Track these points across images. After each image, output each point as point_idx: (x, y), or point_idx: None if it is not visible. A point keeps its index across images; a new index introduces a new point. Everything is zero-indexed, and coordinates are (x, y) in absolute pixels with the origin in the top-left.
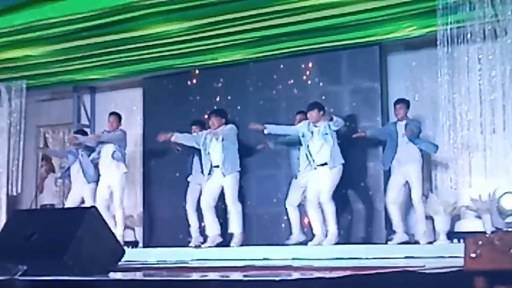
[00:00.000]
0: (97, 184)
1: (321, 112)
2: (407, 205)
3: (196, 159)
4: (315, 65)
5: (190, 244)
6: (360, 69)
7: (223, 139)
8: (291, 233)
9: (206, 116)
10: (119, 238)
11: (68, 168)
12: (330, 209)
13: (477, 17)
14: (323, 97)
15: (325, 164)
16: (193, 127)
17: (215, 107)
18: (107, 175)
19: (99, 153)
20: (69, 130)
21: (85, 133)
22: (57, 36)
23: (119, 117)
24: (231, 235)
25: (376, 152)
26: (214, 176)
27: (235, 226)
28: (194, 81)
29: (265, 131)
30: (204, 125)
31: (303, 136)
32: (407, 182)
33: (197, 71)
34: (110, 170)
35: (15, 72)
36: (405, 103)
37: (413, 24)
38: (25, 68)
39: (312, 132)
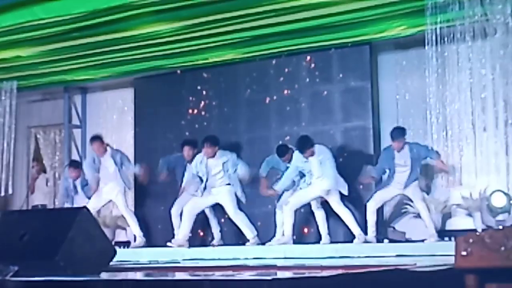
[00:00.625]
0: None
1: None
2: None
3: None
4: (306, 65)
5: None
6: (350, 68)
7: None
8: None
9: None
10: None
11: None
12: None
13: (467, 16)
14: (314, 96)
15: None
16: (185, 147)
17: (205, 107)
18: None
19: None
20: (60, 131)
21: (79, 165)
22: (48, 37)
23: (101, 140)
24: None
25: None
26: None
27: (247, 232)
28: (186, 81)
29: (279, 192)
30: (196, 144)
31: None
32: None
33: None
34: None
35: (6, 73)
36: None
37: (403, 23)
38: (16, 68)
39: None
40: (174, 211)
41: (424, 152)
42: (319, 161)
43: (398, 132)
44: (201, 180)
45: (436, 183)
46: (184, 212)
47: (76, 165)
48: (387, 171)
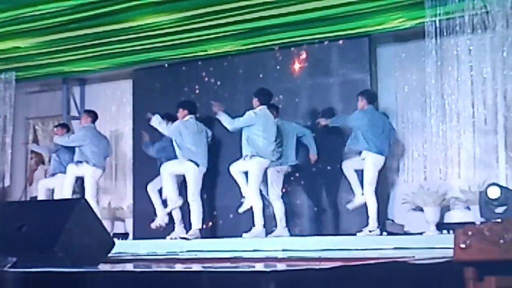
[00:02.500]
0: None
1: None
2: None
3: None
4: (305, 57)
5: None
6: (349, 60)
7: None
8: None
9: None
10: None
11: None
12: None
13: (467, 8)
14: (313, 89)
15: None
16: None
17: (203, 99)
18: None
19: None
20: (58, 122)
21: (67, 127)
22: (46, 28)
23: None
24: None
25: None
26: None
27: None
28: (184, 73)
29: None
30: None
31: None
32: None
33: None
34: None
35: (4, 64)
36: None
37: (402, 15)
38: (14, 59)
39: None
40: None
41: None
42: None
43: None
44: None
45: (435, 176)
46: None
47: (64, 126)
48: None
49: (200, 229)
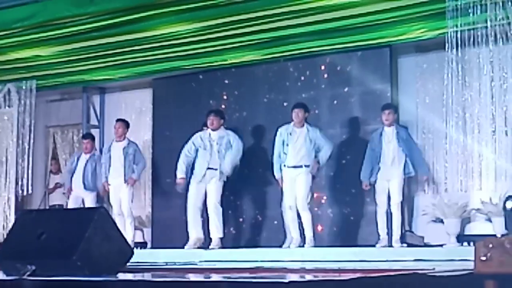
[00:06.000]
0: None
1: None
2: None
3: None
4: (326, 67)
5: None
6: (370, 71)
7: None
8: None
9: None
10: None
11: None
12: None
13: (488, 19)
14: (333, 99)
15: None
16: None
17: (223, 109)
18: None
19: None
20: (78, 131)
21: (93, 138)
22: (67, 36)
23: (126, 124)
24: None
25: None
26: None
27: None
28: (204, 82)
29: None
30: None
31: None
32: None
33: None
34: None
35: (25, 72)
36: (393, 108)
37: (424, 26)
38: (35, 68)
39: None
40: None
41: None
42: None
43: None
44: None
45: (455, 187)
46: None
47: (90, 136)
48: None
49: (221, 238)
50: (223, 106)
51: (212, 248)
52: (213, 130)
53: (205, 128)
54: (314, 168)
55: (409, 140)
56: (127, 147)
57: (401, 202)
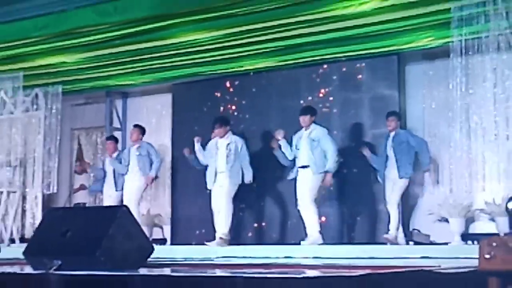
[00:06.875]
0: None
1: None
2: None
3: None
4: (337, 74)
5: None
6: (379, 77)
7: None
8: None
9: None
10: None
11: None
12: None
13: (492, 29)
14: (344, 104)
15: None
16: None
17: (239, 112)
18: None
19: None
20: (101, 133)
21: (116, 139)
22: (92, 44)
23: (141, 129)
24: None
25: None
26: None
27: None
28: (221, 87)
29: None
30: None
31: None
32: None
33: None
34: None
35: (52, 78)
36: (397, 115)
37: (430, 35)
38: (61, 74)
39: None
40: None
41: None
42: None
43: None
44: None
45: (460, 188)
46: None
47: (114, 139)
48: None
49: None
50: (235, 112)
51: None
52: (220, 137)
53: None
54: (326, 181)
55: (410, 140)
56: (141, 149)
57: (399, 203)
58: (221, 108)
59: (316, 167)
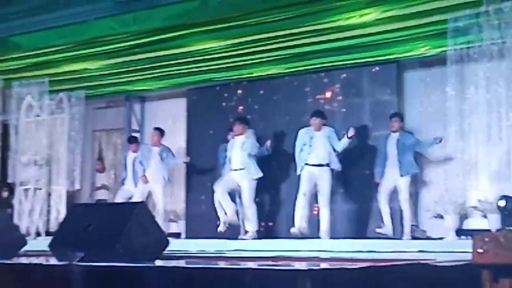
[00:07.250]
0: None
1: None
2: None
3: None
4: (339, 80)
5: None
6: (379, 84)
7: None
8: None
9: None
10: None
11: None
12: None
13: (485, 39)
14: (346, 108)
15: None
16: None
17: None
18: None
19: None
20: (121, 135)
21: (136, 139)
22: (113, 52)
23: (161, 132)
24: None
25: None
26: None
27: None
28: (233, 92)
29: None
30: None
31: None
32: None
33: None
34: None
35: (75, 83)
36: (400, 116)
37: (428, 44)
38: (84, 79)
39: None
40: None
41: None
42: None
43: None
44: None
45: (455, 187)
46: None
47: (134, 139)
48: None
49: (257, 231)
50: (247, 113)
51: (243, 239)
52: (237, 135)
53: (230, 133)
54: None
55: (411, 140)
56: (161, 152)
57: (408, 198)
58: (232, 112)
59: (333, 164)
